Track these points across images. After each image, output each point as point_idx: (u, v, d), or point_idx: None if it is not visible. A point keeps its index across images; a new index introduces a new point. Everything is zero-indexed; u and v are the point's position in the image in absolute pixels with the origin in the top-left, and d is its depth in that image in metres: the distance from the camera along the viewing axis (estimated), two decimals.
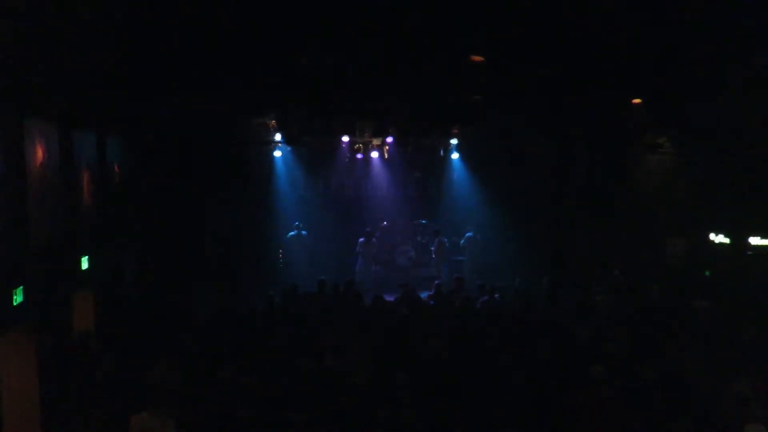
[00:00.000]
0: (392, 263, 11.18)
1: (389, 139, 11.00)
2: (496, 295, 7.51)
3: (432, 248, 11.07)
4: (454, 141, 11.46)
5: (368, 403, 3.66)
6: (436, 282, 8.49)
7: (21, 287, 4.37)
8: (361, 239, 10.75)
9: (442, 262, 10.82)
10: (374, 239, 10.82)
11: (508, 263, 10.20)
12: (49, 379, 4.77)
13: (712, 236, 7.40)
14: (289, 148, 10.96)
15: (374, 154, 11.55)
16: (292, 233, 10.75)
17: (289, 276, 9.88)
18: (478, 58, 6.78)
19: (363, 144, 11.31)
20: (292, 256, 10.62)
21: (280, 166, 11.11)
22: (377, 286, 9.79)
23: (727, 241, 7.16)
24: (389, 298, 7.58)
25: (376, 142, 11.30)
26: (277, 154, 10.98)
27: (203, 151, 8.91)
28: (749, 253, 6.71)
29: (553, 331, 5.46)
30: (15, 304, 4.29)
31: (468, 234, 11.03)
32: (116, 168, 7.32)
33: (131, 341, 5.67)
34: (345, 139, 10.91)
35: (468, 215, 11.44)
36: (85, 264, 6.00)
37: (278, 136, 10.44)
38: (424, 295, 8.17)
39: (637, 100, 7.94)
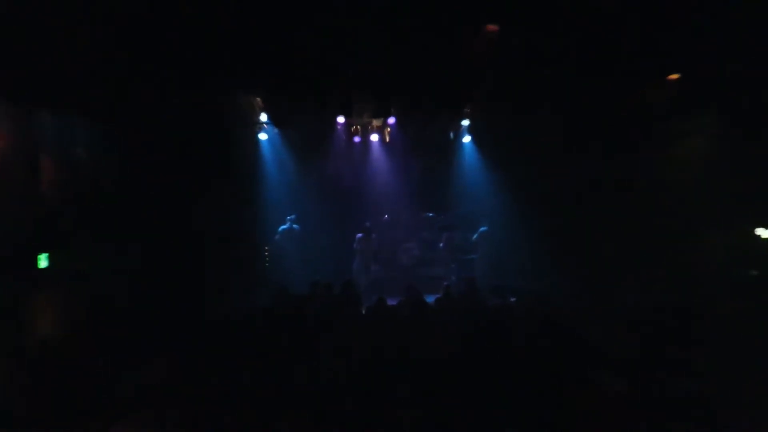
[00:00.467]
0: (394, 262, 10.91)
1: (391, 120, 10.72)
2: (512, 299, 7.51)
3: (440, 245, 10.83)
4: (465, 122, 11.12)
5: (368, 405, 3.98)
6: (445, 283, 8.52)
7: None
8: (359, 235, 10.40)
9: (452, 260, 10.64)
10: (374, 235, 10.56)
11: (527, 262, 10.01)
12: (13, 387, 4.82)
13: (759, 231, 7.53)
14: (276, 131, 10.72)
15: (374, 138, 11.23)
16: (283, 227, 10.56)
17: (279, 275, 9.75)
18: (492, 28, 6.97)
19: (361, 126, 11.08)
20: (283, 252, 10.49)
21: (266, 151, 10.78)
22: (377, 288, 9.57)
23: None
24: (391, 301, 7.51)
25: (376, 123, 11.04)
26: (263, 137, 10.64)
27: (182, 135, 8.53)
28: None
29: (563, 332, 5.60)
30: None
31: (482, 229, 10.71)
32: (84, 156, 7.24)
33: (99, 345, 5.72)
34: (340, 120, 10.59)
35: (482, 207, 11.14)
36: (44, 262, 6.05)
37: (264, 117, 10.27)
38: (430, 299, 7.98)
39: (673, 76, 8.03)
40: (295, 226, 10.73)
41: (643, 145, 8.88)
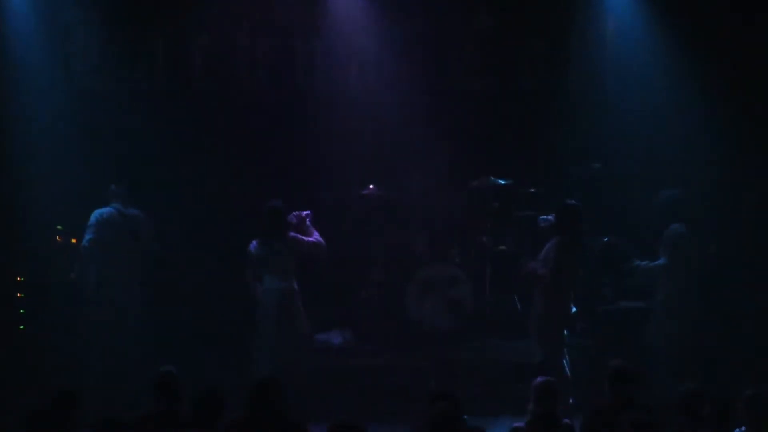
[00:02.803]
0: (399, 320, 10.19)
1: None
2: (739, 430, 6.65)
3: (538, 267, 9.13)
4: None
5: None
6: (537, 381, 6.85)
7: None
8: (253, 244, 9.32)
9: (565, 316, 9.03)
10: (300, 239, 9.35)
11: None
12: None
13: None
14: None
15: None
16: (105, 211, 9.82)
17: (72, 356, 9.22)
18: None
19: None
20: (101, 288, 9.61)
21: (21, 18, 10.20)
22: (342, 395, 8.83)
23: None
24: None
25: None
26: None
27: None
28: None
29: None
30: None
31: (673, 228, 9.42)
32: None
33: None
34: None
35: (664, 175, 10.17)
36: None
37: None
38: (501, 429, 7.45)
39: None
40: (132, 210, 9.93)
41: None
